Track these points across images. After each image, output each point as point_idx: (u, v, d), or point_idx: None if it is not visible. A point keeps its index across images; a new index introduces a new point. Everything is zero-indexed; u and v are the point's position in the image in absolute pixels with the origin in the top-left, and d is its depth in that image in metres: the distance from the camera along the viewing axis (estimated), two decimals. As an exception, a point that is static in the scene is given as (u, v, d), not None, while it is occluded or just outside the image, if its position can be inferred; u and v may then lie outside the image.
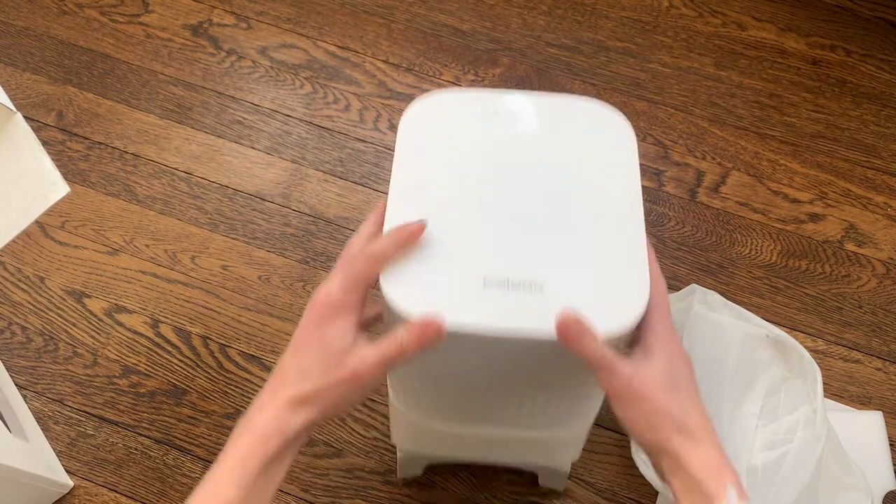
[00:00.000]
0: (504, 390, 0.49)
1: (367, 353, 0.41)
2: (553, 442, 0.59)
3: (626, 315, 0.41)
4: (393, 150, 0.48)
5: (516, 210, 0.45)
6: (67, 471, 0.73)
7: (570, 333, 0.39)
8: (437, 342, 0.40)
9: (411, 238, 0.42)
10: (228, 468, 0.41)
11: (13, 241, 0.52)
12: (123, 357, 0.77)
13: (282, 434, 0.41)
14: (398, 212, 0.44)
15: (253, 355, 0.78)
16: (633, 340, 0.43)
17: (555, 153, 0.47)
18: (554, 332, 0.39)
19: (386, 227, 0.44)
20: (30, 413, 0.74)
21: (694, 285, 0.71)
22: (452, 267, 0.42)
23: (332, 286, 0.42)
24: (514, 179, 0.46)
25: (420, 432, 0.59)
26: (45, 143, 0.90)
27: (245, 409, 0.78)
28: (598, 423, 0.73)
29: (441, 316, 0.39)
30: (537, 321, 0.40)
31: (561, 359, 0.42)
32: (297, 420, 0.41)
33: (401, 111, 0.92)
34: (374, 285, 0.43)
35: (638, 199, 0.45)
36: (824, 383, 0.67)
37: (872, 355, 0.78)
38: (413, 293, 0.41)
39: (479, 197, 0.45)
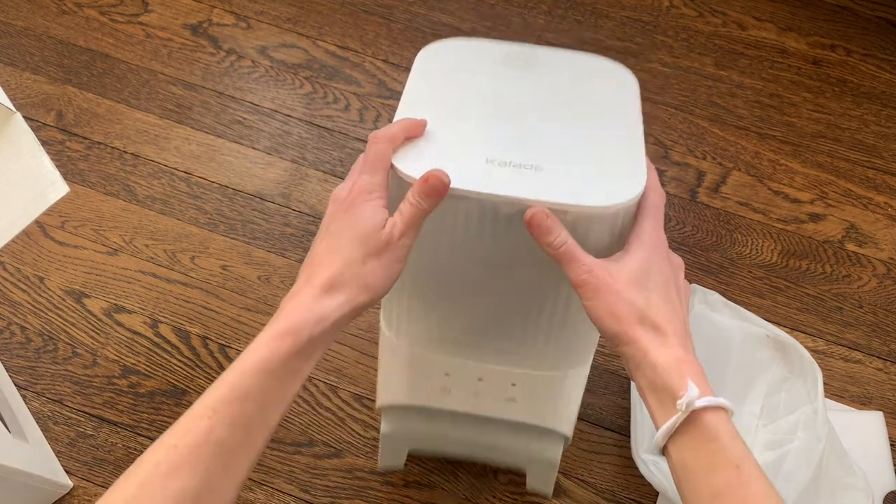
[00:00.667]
0: (499, 295, 0.50)
1: (395, 220, 0.42)
2: (545, 413, 0.59)
3: (623, 194, 0.43)
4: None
5: (520, 116, 0.48)
6: (67, 471, 0.72)
7: (538, 224, 0.41)
8: (442, 191, 0.42)
9: (417, 126, 0.45)
10: (254, 358, 0.41)
11: (13, 240, 0.52)
12: (123, 357, 0.77)
13: (318, 321, 0.41)
14: (407, 114, 0.47)
15: (253, 355, 0.78)
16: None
17: (560, 83, 0.51)
18: (551, 200, 0.42)
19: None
20: (29, 413, 0.74)
21: (694, 285, 0.71)
22: (458, 150, 0.45)
23: (356, 175, 0.44)
24: (519, 97, 0.49)
25: (409, 372, 0.59)
26: (44, 143, 0.91)
27: (245, 409, 0.78)
28: (597, 423, 0.73)
29: (441, 170, 0.43)
30: (536, 191, 0.43)
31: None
32: (332, 304, 0.41)
33: (401, 111, 0.93)
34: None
35: (638, 120, 0.48)
36: (825, 383, 0.67)
37: (873, 355, 0.78)
38: (421, 166, 0.43)
39: (486, 107, 0.48)
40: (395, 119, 0.47)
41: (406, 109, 0.48)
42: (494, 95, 0.50)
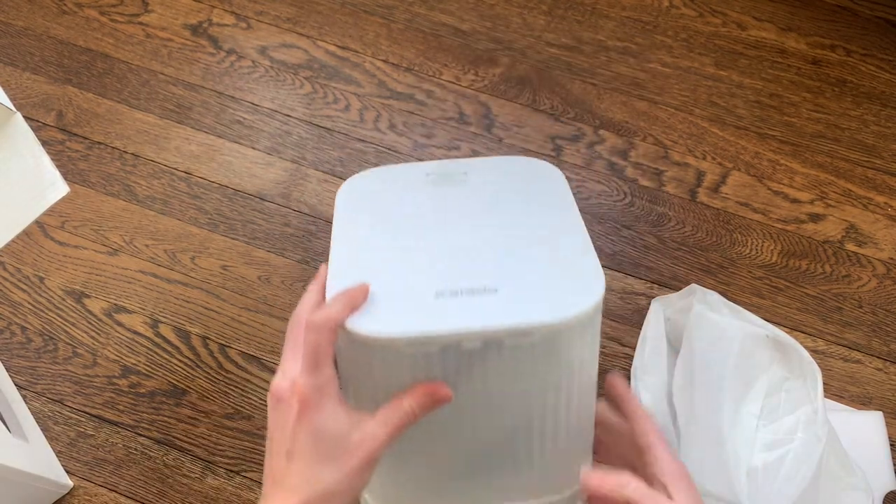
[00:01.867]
0: (478, 435, 0.45)
1: (375, 430, 0.38)
2: None
3: (587, 299, 0.41)
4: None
5: (459, 236, 0.46)
6: (67, 471, 0.72)
7: (601, 484, 0.40)
8: (447, 400, 0.39)
9: (359, 296, 0.40)
10: None
11: (13, 240, 0.52)
12: (123, 357, 0.77)
13: None
14: (340, 274, 0.43)
15: (253, 355, 0.78)
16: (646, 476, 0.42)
17: (491, 194, 0.49)
18: (514, 325, 0.39)
19: (329, 292, 0.42)
20: (29, 413, 0.74)
21: (694, 285, 0.71)
22: (403, 288, 0.42)
23: (294, 372, 0.38)
24: (453, 216, 0.47)
25: None
26: (44, 143, 0.91)
27: (244, 409, 0.78)
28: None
29: (442, 382, 0.40)
30: (496, 317, 0.39)
31: (525, 365, 0.41)
32: None
33: (401, 111, 0.93)
34: None
35: (577, 216, 0.46)
36: (825, 383, 0.67)
37: (873, 355, 0.78)
38: (374, 318, 0.40)
39: (422, 234, 0.46)
40: (331, 265, 0.44)
41: (339, 256, 0.45)
42: (428, 219, 0.47)
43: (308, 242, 0.84)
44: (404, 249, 0.45)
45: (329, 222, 0.85)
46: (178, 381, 0.76)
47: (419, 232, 0.46)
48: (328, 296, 0.41)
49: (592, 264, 0.43)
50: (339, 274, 0.43)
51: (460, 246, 0.45)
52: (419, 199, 0.49)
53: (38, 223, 0.84)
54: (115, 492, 0.72)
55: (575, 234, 0.45)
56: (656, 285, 0.82)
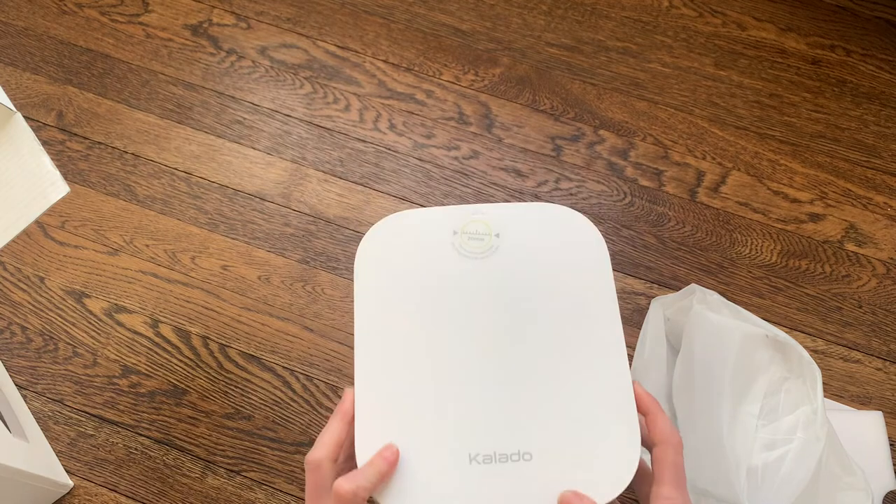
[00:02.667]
0: None
1: None
2: None
3: (622, 476, 0.40)
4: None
5: (491, 365, 0.43)
6: (67, 471, 0.73)
7: None
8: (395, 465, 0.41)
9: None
10: None
11: (13, 240, 0.52)
12: (123, 357, 0.77)
13: None
14: (368, 417, 0.42)
15: (253, 355, 0.78)
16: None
17: (523, 283, 0.45)
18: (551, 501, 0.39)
19: (359, 440, 0.41)
20: (30, 413, 0.74)
21: (694, 285, 0.71)
22: (434, 447, 0.41)
23: None
24: (483, 321, 0.44)
25: None
26: (45, 143, 0.91)
27: (244, 409, 0.78)
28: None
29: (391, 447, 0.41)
30: (532, 495, 0.39)
31: None
32: None
33: (400, 111, 0.93)
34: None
35: (618, 326, 0.44)
36: (824, 383, 0.67)
37: (872, 355, 0.78)
38: (399, 488, 0.40)
39: (451, 357, 0.43)
40: (358, 399, 0.42)
41: (365, 380, 0.43)
42: (458, 315, 0.44)
43: (308, 242, 0.84)
44: (435, 369, 0.43)
45: (329, 222, 0.85)
46: (178, 380, 0.76)
47: (449, 334, 0.44)
48: (358, 446, 0.41)
49: (627, 430, 0.41)
50: (366, 417, 0.42)
51: (494, 374, 0.43)
52: (447, 277, 0.45)
53: (39, 223, 0.84)
54: (116, 491, 0.72)
55: (617, 375, 0.43)
56: (656, 285, 0.82)
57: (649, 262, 0.83)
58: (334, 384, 0.77)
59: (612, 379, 0.43)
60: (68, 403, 0.75)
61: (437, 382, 0.43)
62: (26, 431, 0.70)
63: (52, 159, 0.54)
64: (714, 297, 0.71)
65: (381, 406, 0.42)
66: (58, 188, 0.53)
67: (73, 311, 0.80)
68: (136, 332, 0.79)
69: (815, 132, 0.91)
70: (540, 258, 0.46)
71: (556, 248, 0.46)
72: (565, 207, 0.47)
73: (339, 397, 0.75)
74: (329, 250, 0.83)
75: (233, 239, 0.84)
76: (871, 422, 0.73)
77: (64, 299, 0.80)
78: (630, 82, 0.94)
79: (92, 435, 0.74)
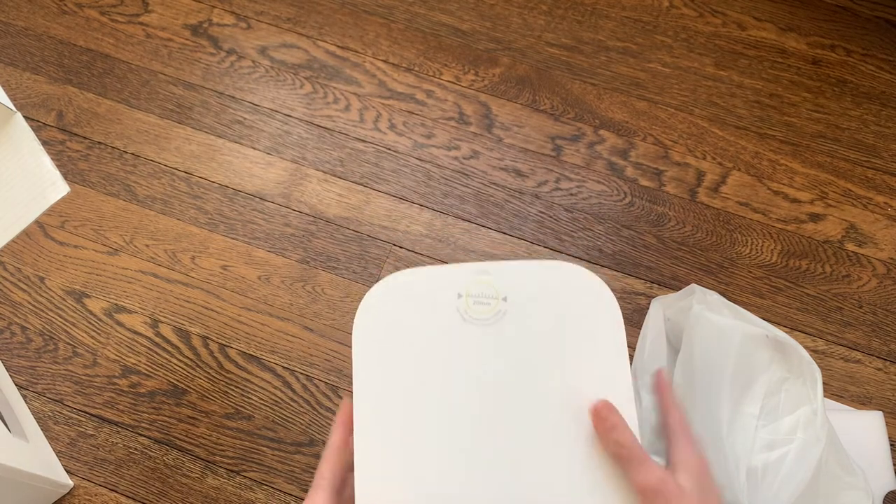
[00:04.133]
0: None
1: None
2: None
3: None
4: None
5: (497, 443, 0.41)
6: (67, 471, 0.73)
7: (603, 417, 0.39)
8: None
9: None
10: None
11: (13, 240, 0.52)
12: (123, 357, 0.77)
13: None
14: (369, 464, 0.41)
15: (253, 355, 0.78)
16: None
17: (531, 347, 0.43)
18: None
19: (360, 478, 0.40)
20: (30, 413, 0.74)
21: (694, 285, 0.71)
22: None
23: None
24: (489, 395, 0.42)
25: None
26: (45, 143, 0.91)
27: (244, 409, 0.78)
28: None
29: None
30: None
31: None
32: None
33: (401, 111, 0.93)
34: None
35: (629, 395, 0.41)
36: (824, 383, 0.67)
37: (873, 355, 0.78)
38: None
39: (454, 437, 0.41)
40: (357, 472, 0.41)
41: (364, 432, 0.41)
42: (461, 395, 0.42)
43: (308, 242, 0.84)
44: (439, 449, 0.41)
45: (329, 222, 0.85)
46: (178, 380, 0.76)
47: (453, 411, 0.41)
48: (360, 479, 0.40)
49: None
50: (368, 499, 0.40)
51: (500, 454, 0.41)
52: (451, 347, 0.42)
53: (39, 223, 0.84)
54: (116, 491, 0.72)
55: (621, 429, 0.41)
56: (656, 285, 0.82)
57: (649, 262, 0.83)
58: (334, 384, 0.76)
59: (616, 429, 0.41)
60: (68, 403, 0.75)
61: (441, 463, 0.41)
62: (26, 431, 0.70)
63: (52, 159, 0.54)
64: (714, 297, 0.71)
65: (383, 488, 0.40)
66: (58, 188, 0.53)
67: (73, 311, 0.80)
68: (136, 332, 0.79)
69: (815, 132, 0.91)
70: (548, 326, 0.43)
71: (566, 314, 0.43)
72: (576, 266, 0.44)
73: (340, 397, 0.75)
74: (329, 250, 0.83)
75: (233, 239, 0.84)
76: (872, 422, 0.73)
77: (64, 299, 0.80)
78: (630, 82, 0.94)
79: (92, 435, 0.74)
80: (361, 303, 0.43)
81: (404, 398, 0.42)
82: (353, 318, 0.44)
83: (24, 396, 0.76)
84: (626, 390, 0.41)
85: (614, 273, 0.82)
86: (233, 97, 0.93)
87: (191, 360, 0.77)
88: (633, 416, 0.40)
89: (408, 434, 0.41)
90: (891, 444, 0.72)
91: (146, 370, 0.77)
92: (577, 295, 0.43)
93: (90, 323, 0.79)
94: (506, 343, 0.42)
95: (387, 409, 0.41)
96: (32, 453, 0.68)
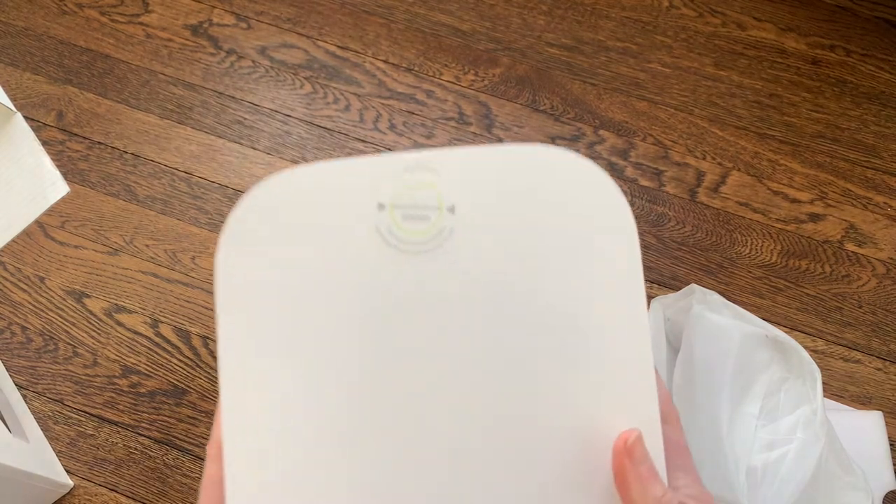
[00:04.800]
0: None
1: None
2: None
3: None
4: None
5: (441, 447, 0.26)
6: (67, 471, 0.73)
7: (631, 455, 0.28)
8: None
9: None
10: None
11: (13, 240, 0.52)
12: (123, 357, 0.77)
13: None
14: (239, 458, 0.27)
15: (253, 355, 0.78)
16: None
17: (494, 289, 0.27)
18: None
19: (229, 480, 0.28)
20: (30, 413, 0.74)
21: (693, 285, 0.71)
22: None
23: None
24: (428, 370, 0.27)
25: None
26: (45, 143, 0.91)
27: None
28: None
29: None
30: None
31: None
32: None
33: (401, 111, 0.93)
34: None
35: (649, 361, 0.28)
36: (824, 383, 0.67)
37: (872, 355, 0.78)
38: None
39: (372, 433, 0.27)
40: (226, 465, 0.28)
41: (236, 446, 0.27)
42: (377, 376, 0.27)
43: (308, 242, 0.84)
44: (346, 454, 0.26)
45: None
46: (178, 380, 0.76)
47: (367, 392, 0.27)
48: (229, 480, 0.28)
49: None
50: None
51: (444, 460, 0.26)
52: (365, 293, 0.27)
53: (39, 223, 0.84)
54: (116, 491, 0.72)
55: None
56: (656, 285, 0.82)
57: (649, 262, 0.83)
58: (334, 384, 0.77)
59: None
60: (68, 403, 0.75)
61: (351, 473, 0.26)
62: (26, 431, 0.70)
63: (52, 159, 0.54)
64: (714, 297, 0.71)
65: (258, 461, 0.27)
66: (58, 188, 0.53)
67: (74, 311, 0.80)
68: (136, 332, 0.79)
69: (814, 132, 0.91)
70: (520, 252, 0.27)
71: (549, 231, 0.27)
72: (562, 150, 0.28)
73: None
74: (329, 250, 0.83)
75: (233, 239, 0.84)
76: (871, 422, 0.73)
77: (64, 299, 0.80)
78: (630, 82, 0.94)
79: (92, 435, 0.74)
80: (225, 226, 0.28)
81: (293, 381, 0.27)
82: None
83: (25, 396, 0.76)
84: (646, 360, 0.27)
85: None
86: (233, 97, 0.93)
87: (191, 359, 0.77)
88: (653, 389, 0.28)
89: (297, 439, 0.27)
90: (891, 444, 0.72)
91: (146, 370, 0.77)
92: (567, 196, 0.27)
93: (90, 323, 0.79)
94: (451, 282, 0.27)
95: (264, 401, 0.27)
96: (32, 453, 0.68)
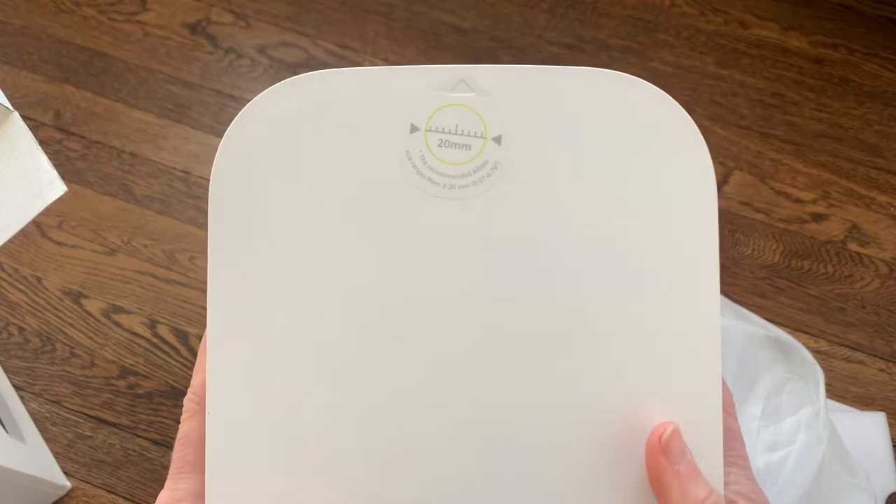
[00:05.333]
0: None
1: None
2: None
3: None
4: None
5: (473, 424, 0.22)
6: (65, 472, 0.72)
7: (667, 452, 0.25)
8: None
9: None
10: None
11: (10, 241, 0.51)
12: (121, 358, 0.77)
13: None
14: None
15: (252, 356, 0.77)
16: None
17: (548, 238, 0.23)
18: None
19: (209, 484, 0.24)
20: (27, 414, 0.74)
21: (696, 286, 0.71)
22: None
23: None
24: (465, 336, 0.23)
25: None
26: (42, 143, 0.90)
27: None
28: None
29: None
30: None
31: None
32: None
33: (401, 110, 0.92)
34: None
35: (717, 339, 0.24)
36: (827, 384, 0.67)
37: (875, 356, 0.78)
38: None
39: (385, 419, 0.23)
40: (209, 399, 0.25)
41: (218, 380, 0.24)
42: (406, 341, 0.23)
43: (307, 242, 0.83)
44: (363, 426, 0.23)
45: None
46: (176, 381, 0.76)
47: (394, 358, 0.23)
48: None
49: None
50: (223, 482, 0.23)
51: (477, 439, 0.22)
52: (392, 235, 0.23)
53: (36, 223, 0.84)
54: (114, 493, 0.72)
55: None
56: (658, 285, 0.82)
57: (651, 263, 0.83)
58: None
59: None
60: (66, 404, 0.75)
61: (354, 460, 0.23)
62: (24, 433, 0.69)
63: (50, 159, 0.53)
64: (716, 297, 0.70)
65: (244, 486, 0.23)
66: (55, 188, 0.52)
67: (71, 312, 0.79)
68: (133, 333, 0.78)
69: (817, 131, 0.90)
70: (581, 194, 0.23)
71: (617, 171, 0.23)
72: (630, 77, 0.24)
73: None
74: (328, 250, 0.83)
75: (231, 239, 0.83)
76: (874, 423, 0.73)
77: (61, 300, 0.80)
78: (631, 81, 0.93)
79: (90, 436, 0.74)
80: (224, 138, 0.24)
81: (292, 326, 0.23)
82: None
83: (22, 397, 0.75)
84: (714, 334, 0.23)
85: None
86: (231, 96, 0.92)
87: (189, 361, 0.77)
88: (718, 367, 0.23)
89: (301, 402, 0.23)
90: (894, 446, 0.72)
91: (144, 371, 0.76)
92: (640, 134, 0.23)
93: (88, 323, 0.79)
94: (491, 229, 0.23)
95: (263, 358, 0.23)
96: (30, 455, 0.68)
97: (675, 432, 0.25)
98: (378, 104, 0.23)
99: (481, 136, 0.23)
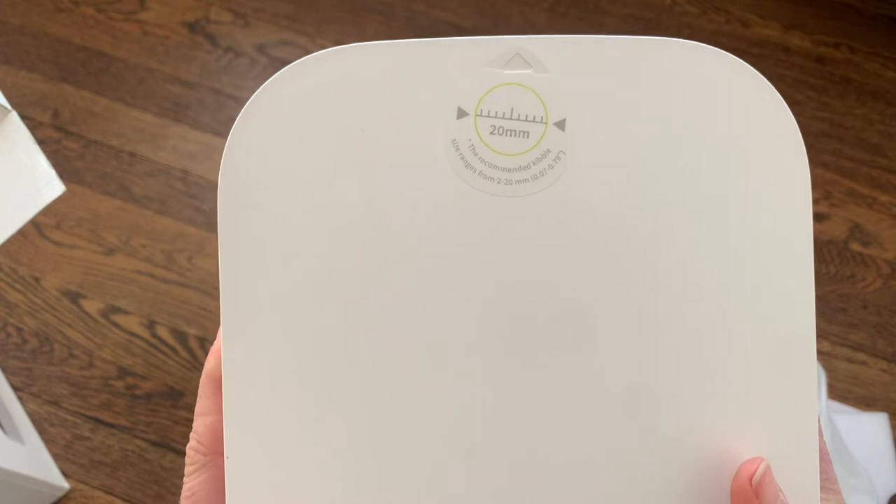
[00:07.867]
0: None
1: None
2: None
3: None
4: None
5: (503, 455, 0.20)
6: (63, 473, 0.72)
7: (760, 495, 0.21)
8: None
9: None
10: None
11: (8, 241, 0.51)
12: (119, 358, 0.77)
13: None
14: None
15: (251, 356, 0.77)
16: None
17: (615, 239, 0.20)
18: None
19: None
20: (25, 415, 0.74)
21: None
22: None
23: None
24: (516, 343, 0.20)
25: None
26: (40, 142, 0.89)
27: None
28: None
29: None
30: None
31: None
32: None
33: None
34: None
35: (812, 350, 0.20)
36: (829, 385, 0.67)
37: (878, 356, 0.77)
38: None
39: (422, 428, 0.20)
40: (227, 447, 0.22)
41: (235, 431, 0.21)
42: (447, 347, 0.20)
43: (307, 242, 0.83)
44: (398, 440, 0.20)
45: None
46: (174, 382, 0.76)
47: (434, 363, 0.20)
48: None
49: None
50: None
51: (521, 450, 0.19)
52: (437, 232, 0.19)
53: (34, 223, 0.83)
54: (112, 494, 0.71)
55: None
56: (659, 285, 0.81)
57: (652, 262, 0.82)
58: (333, 386, 0.76)
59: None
60: (64, 405, 0.75)
61: (402, 465, 0.20)
62: (22, 433, 0.69)
63: (48, 158, 0.53)
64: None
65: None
66: (53, 187, 0.52)
67: (69, 312, 0.79)
68: (132, 334, 0.78)
69: (819, 131, 0.90)
70: (660, 185, 0.20)
71: (703, 159, 0.20)
72: (716, 50, 0.21)
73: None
74: (328, 250, 0.82)
75: (231, 239, 0.83)
76: (877, 424, 0.72)
77: (59, 300, 0.79)
78: (632, 80, 0.93)
79: (88, 437, 0.73)
80: (238, 120, 0.21)
81: (330, 340, 0.20)
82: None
83: (20, 398, 0.75)
84: (810, 352, 0.20)
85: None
86: (230, 95, 0.92)
87: (187, 361, 0.77)
88: (814, 386, 0.20)
89: (328, 407, 0.20)
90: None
91: (142, 372, 0.76)
92: (725, 119, 0.20)
93: (86, 324, 0.78)
94: (556, 229, 0.19)
95: (287, 362, 0.20)
96: (28, 456, 0.67)
97: (768, 472, 0.21)
98: (418, 84, 0.19)
99: (542, 121, 0.19)
